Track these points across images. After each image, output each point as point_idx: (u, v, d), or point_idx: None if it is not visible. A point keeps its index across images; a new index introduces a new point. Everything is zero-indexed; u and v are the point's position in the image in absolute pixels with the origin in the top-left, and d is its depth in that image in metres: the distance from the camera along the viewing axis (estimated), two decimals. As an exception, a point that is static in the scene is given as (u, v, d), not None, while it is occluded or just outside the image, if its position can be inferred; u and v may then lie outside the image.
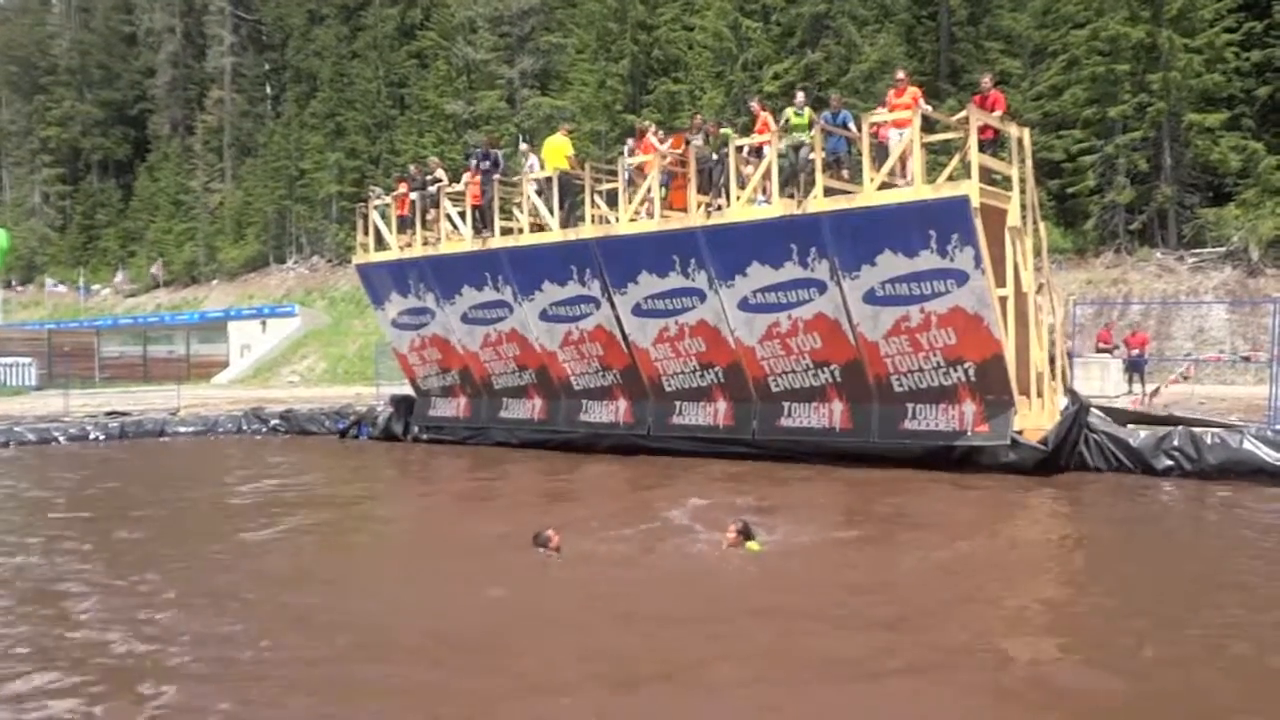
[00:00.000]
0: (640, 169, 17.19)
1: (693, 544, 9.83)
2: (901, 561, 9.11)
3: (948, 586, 8.19)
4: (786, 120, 15.72)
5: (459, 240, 19.54)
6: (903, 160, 14.49)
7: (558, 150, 18.30)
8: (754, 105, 17.04)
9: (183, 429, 24.46)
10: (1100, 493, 12.83)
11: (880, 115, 14.91)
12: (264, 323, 47.76)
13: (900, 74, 15.65)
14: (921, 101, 14.84)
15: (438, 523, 12.90)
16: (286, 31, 62.29)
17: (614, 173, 17.56)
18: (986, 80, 15.34)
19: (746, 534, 9.26)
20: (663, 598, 7.98)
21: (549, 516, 11.59)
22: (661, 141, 17.70)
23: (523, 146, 20.17)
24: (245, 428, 24.62)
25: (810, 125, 15.28)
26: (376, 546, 11.02)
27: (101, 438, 23.33)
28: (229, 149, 64.13)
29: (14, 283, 70.21)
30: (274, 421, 24.73)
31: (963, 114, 14.46)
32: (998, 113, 14.72)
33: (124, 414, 25.47)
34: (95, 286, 65.51)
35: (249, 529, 11.41)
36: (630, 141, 18.41)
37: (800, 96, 16.36)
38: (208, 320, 50.79)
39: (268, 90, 65.45)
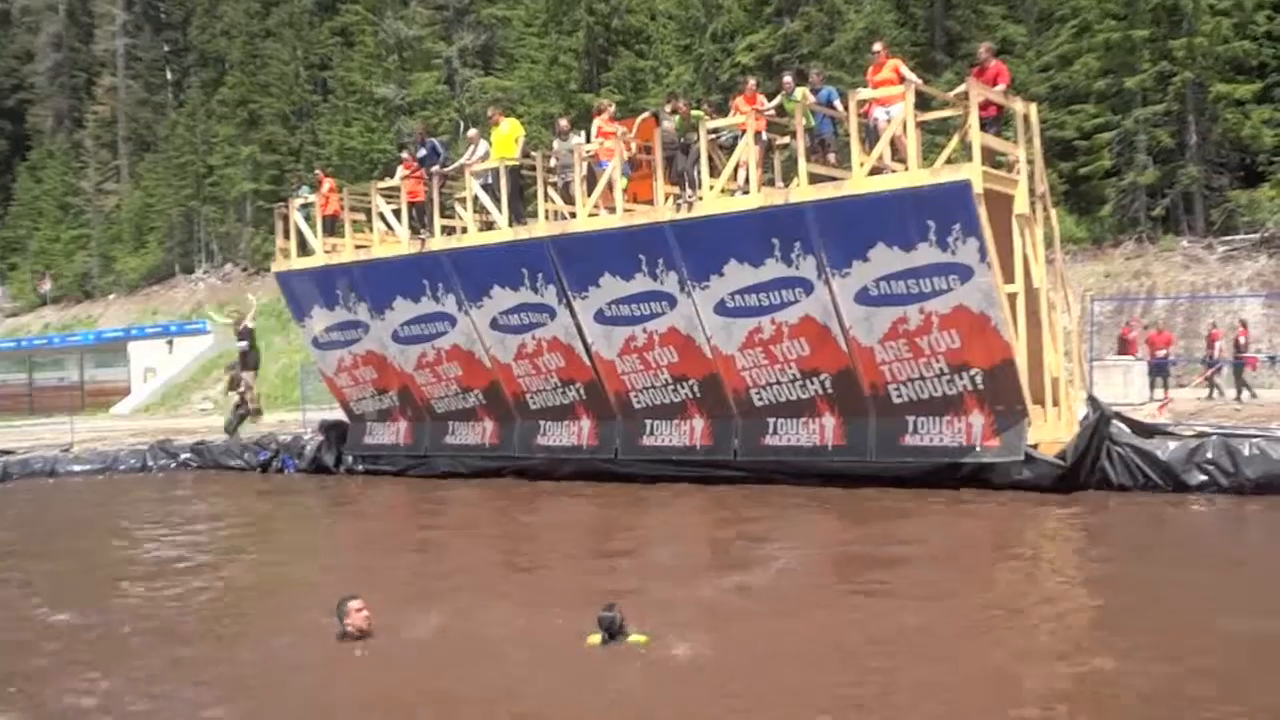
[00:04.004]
0: (596, 157, 17.26)
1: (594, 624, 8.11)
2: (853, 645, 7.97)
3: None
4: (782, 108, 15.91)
5: (394, 242, 19.54)
6: (895, 142, 14.65)
7: (507, 137, 18.34)
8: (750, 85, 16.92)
9: (77, 468, 24.25)
10: (1126, 514, 13.02)
11: (870, 92, 15.05)
12: (171, 342, 47.34)
13: (877, 46, 15.81)
14: (906, 71, 15.00)
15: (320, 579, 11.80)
16: (188, 8, 61.94)
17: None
18: (983, 50, 15.48)
19: (610, 631, 7.82)
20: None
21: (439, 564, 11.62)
22: (614, 122, 17.70)
23: (471, 132, 20.18)
24: (151, 463, 24.42)
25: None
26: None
27: (-20, 480, 23.09)
28: (124, 144, 63.58)
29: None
30: (184, 455, 24.55)
31: (961, 88, 14.67)
32: (1001, 86, 14.92)
33: (6, 452, 25.17)
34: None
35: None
36: (562, 122, 18.50)
37: (788, 79, 16.42)
38: (104, 341, 50.26)
39: (168, 75, 64.96)
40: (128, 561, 13.25)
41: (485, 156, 18.69)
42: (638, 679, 7.34)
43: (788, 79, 16.48)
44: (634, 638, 7.84)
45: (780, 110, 16.02)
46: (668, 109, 16.76)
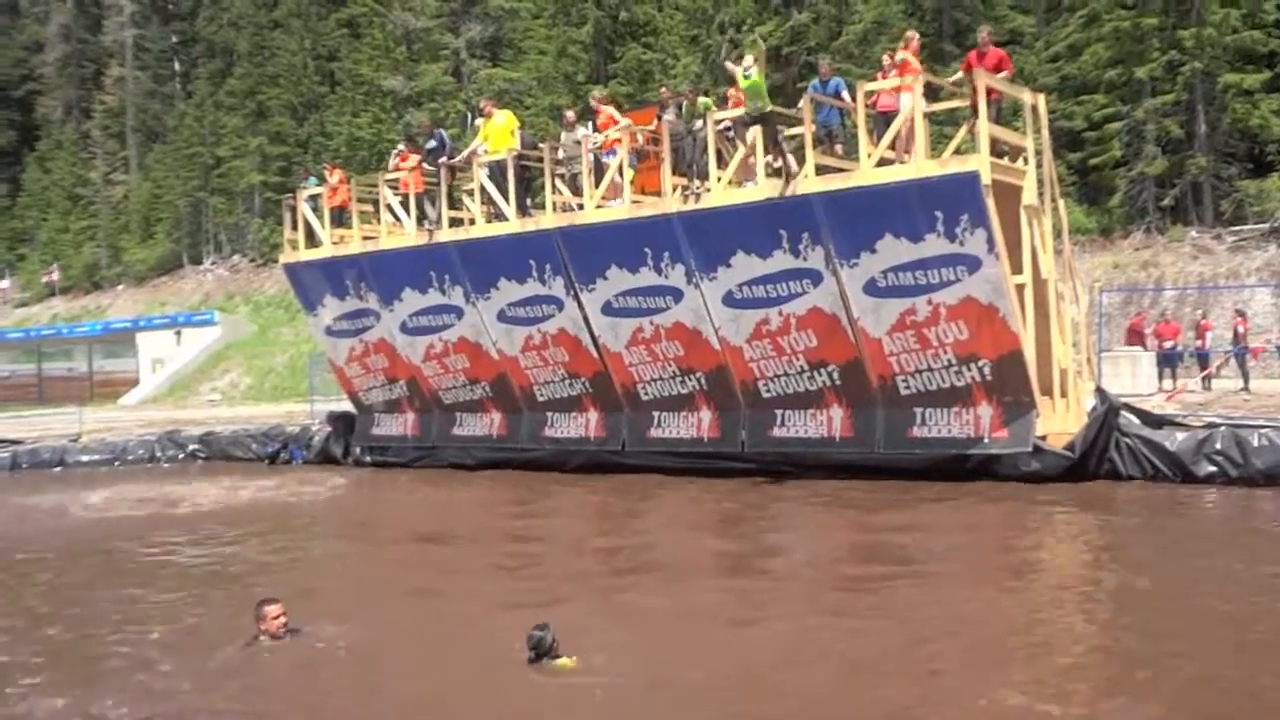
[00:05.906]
0: (603, 147, 17.24)
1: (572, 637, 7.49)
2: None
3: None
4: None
5: (401, 234, 19.53)
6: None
7: (503, 129, 18.30)
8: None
9: (85, 458, 24.31)
10: (1136, 507, 12.94)
11: (879, 83, 14.97)
12: (179, 333, 47.45)
13: (914, 37, 15.55)
14: (915, 63, 14.91)
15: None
16: (196, -2, 62.01)
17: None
18: (984, 34, 15.19)
19: (539, 651, 7.15)
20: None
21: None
22: (607, 104, 17.68)
23: (478, 122, 20.20)
24: (159, 454, 24.48)
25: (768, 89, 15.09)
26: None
27: (-11, 470, 23.17)
28: (133, 134, 63.68)
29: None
30: (192, 446, 24.61)
31: (957, 76, 14.58)
32: (1004, 74, 14.80)
33: (15, 442, 25.23)
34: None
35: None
36: (568, 114, 18.48)
37: (748, 59, 15.20)
38: (113, 332, 50.35)
39: (176, 66, 65.04)
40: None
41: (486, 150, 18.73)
42: (639, 692, 7.01)
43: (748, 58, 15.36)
44: (562, 661, 7.19)
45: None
46: (667, 102, 16.75)
